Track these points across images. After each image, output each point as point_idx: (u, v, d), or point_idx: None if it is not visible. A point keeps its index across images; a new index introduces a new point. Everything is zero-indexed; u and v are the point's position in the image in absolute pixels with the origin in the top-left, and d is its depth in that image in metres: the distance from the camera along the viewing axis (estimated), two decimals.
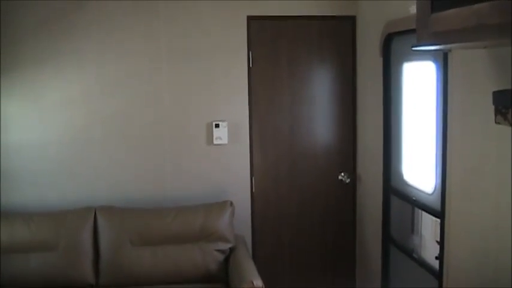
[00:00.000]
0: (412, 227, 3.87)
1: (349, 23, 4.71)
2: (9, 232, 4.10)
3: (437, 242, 3.27)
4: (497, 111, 2.32)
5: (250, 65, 4.63)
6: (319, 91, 4.78)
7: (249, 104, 4.66)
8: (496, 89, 2.36)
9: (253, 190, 4.74)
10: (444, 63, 3.09)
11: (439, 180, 3.22)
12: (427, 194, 3.47)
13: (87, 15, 4.40)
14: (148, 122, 4.58)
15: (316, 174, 4.82)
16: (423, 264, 3.59)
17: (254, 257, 4.54)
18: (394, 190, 4.06)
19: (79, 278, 4.11)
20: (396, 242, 4.07)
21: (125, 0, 4.42)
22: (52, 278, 4.08)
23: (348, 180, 4.80)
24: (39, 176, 4.48)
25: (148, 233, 4.22)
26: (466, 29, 1.75)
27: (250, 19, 4.59)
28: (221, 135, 4.61)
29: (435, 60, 3.29)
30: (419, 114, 3.68)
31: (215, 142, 4.62)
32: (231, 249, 4.29)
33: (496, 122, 2.32)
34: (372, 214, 4.49)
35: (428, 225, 3.58)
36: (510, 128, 2.28)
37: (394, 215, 4.14)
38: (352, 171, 4.82)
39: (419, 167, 3.70)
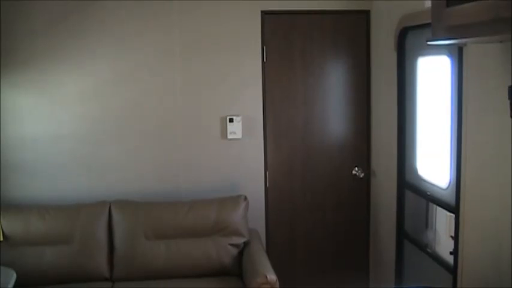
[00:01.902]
0: (426, 221, 3.86)
1: (363, 17, 4.69)
2: (24, 225, 4.14)
3: (451, 237, 3.26)
4: None
5: (264, 60, 4.63)
6: (333, 85, 4.77)
7: (263, 99, 4.66)
8: (511, 83, 2.35)
9: (267, 184, 4.74)
10: (459, 57, 3.07)
11: (454, 175, 3.21)
12: (442, 188, 3.46)
13: (101, 9, 4.42)
14: (162, 116, 4.59)
15: (330, 169, 4.81)
16: (437, 259, 3.58)
17: (268, 251, 4.55)
18: (409, 185, 4.05)
19: (94, 271, 4.14)
20: (410, 237, 4.06)
21: None
22: (67, 271, 4.12)
23: (362, 175, 4.79)
24: (53, 169, 4.51)
25: (162, 227, 4.24)
26: (482, 22, 1.74)
27: (265, 13, 4.58)
28: (235, 129, 4.62)
29: (450, 55, 3.27)
30: (433, 108, 3.66)
31: (229, 136, 4.63)
32: (245, 244, 4.30)
33: (511, 117, 2.31)
34: (386, 209, 4.47)
35: (442, 220, 3.57)
36: None
37: (408, 209, 4.13)
38: (366, 166, 4.81)
39: (433, 162, 3.68)
